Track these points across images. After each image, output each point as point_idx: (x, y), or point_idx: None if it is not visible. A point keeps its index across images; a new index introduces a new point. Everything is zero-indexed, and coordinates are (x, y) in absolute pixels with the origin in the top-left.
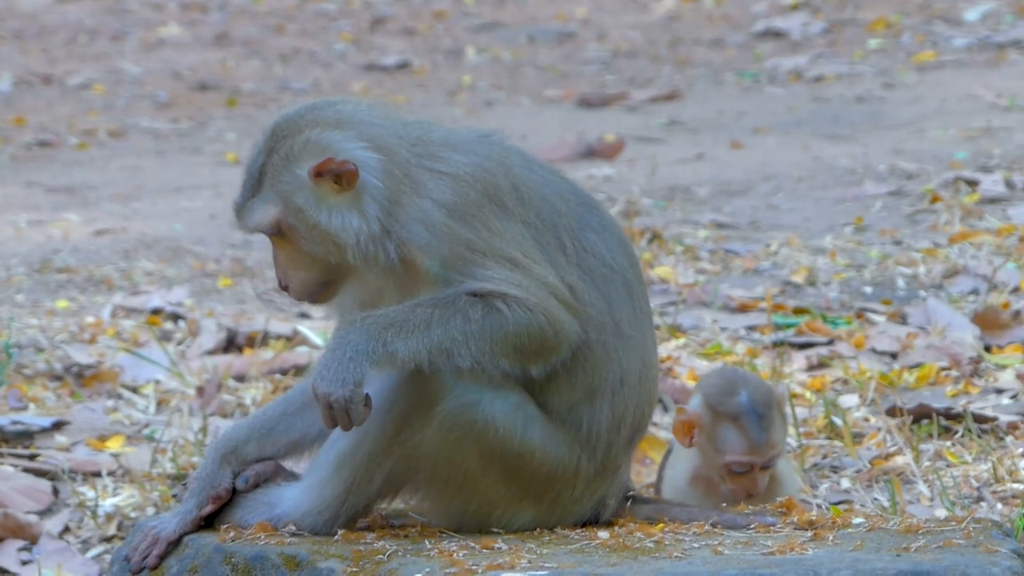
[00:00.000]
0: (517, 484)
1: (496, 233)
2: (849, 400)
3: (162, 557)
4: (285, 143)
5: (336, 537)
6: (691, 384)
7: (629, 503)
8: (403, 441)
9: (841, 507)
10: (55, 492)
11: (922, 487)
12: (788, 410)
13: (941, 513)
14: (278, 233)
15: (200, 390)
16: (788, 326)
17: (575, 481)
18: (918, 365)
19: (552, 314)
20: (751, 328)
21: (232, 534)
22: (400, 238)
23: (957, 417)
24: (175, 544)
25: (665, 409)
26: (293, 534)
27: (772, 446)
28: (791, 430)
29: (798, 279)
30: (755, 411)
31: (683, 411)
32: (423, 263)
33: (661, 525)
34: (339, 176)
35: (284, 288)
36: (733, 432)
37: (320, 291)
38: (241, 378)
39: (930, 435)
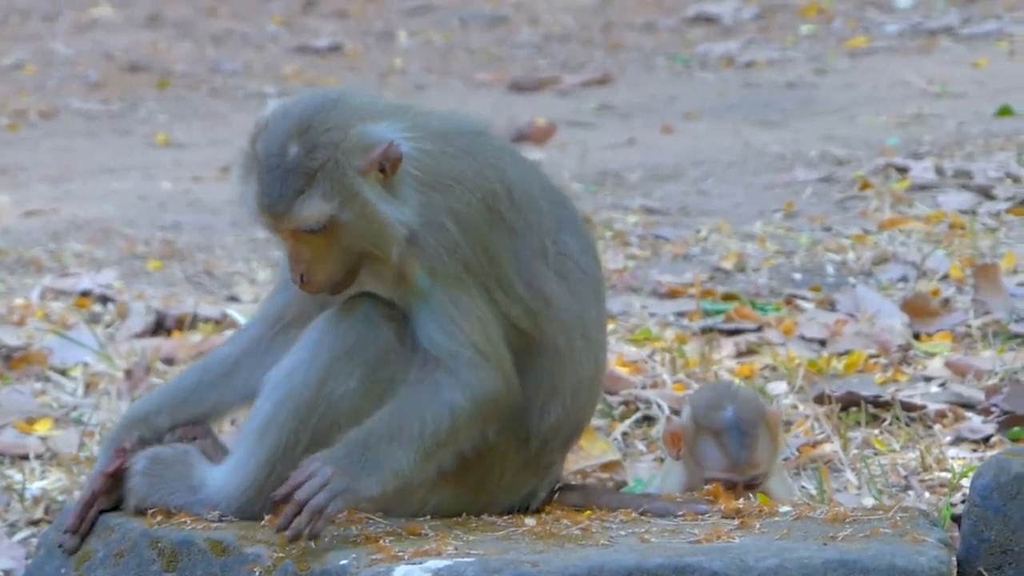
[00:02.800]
0: None
1: (487, 251)
2: (777, 387)
3: (81, 519)
4: (330, 136)
5: (263, 523)
6: (619, 371)
7: (558, 493)
8: (327, 395)
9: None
10: None
11: (850, 475)
12: (781, 431)
13: (868, 502)
14: (322, 229)
15: (129, 373)
16: (717, 312)
17: (502, 467)
18: (847, 352)
19: (508, 375)
20: (680, 314)
21: (159, 518)
22: (419, 237)
23: (885, 405)
24: (88, 506)
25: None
26: (220, 519)
27: (753, 465)
28: None
29: (727, 265)
30: (738, 428)
31: (671, 421)
32: (415, 272)
33: (588, 512)
34: (384, 166)
35: (304, 282)
36: (713, 447)
37: (341, 283)
38: (170, 361)
39: (858, 423)
